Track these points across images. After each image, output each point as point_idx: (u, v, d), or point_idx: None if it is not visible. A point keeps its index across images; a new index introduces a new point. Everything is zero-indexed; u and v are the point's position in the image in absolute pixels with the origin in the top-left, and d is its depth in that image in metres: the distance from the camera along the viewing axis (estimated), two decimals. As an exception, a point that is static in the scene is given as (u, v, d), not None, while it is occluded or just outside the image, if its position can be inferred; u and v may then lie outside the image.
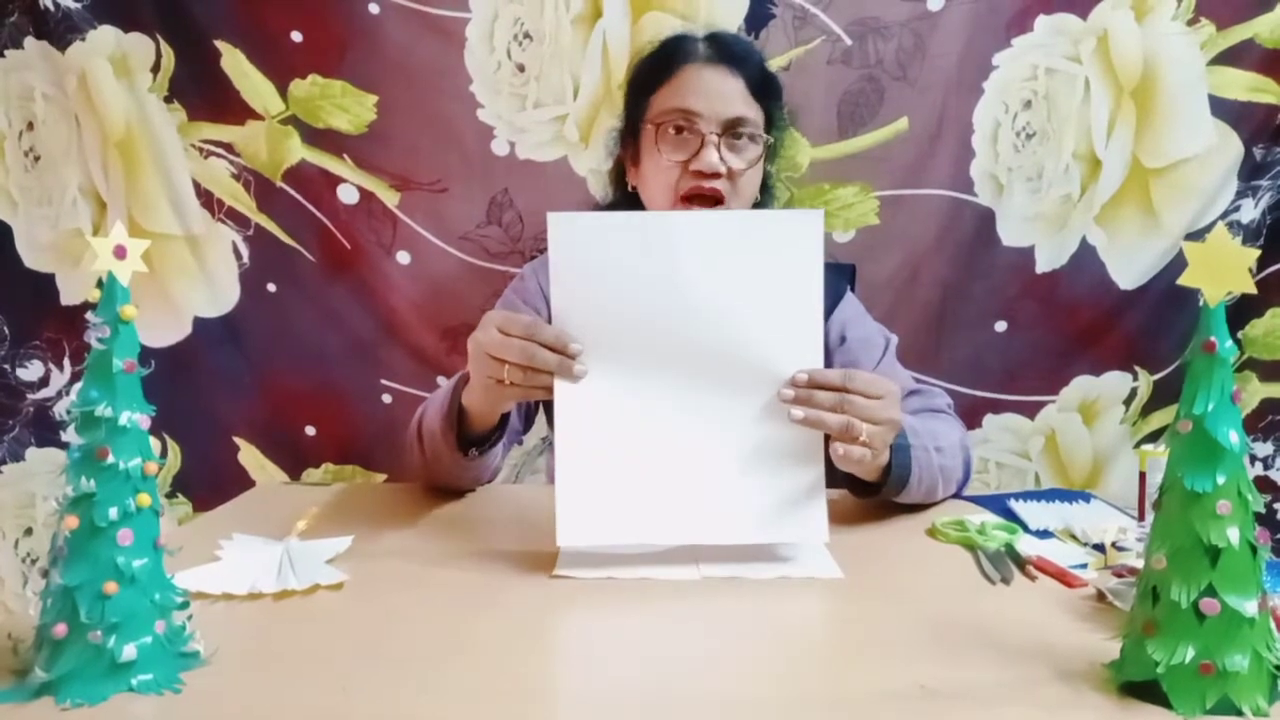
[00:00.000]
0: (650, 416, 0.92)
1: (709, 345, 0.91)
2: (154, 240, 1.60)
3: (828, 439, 0.92)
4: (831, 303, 1.34)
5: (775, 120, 1.30)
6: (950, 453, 1.16)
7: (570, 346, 0.92)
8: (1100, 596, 0.84)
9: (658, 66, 1.27)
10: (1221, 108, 1.66)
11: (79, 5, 1.63)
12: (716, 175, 1.21)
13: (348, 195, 1.72)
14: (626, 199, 1.35)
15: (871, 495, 1.07)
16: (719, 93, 1.22)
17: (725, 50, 1.25)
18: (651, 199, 1.29)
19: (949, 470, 1.15)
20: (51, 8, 1.63)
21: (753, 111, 1.24)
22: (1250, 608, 0.61)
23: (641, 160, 1.28)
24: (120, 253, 0.65)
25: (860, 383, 0.91)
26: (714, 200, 1.22)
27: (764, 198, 1.34)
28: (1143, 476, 1.13)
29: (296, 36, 1.66)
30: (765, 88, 1.26)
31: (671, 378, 0.91)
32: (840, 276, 1.42)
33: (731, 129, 1.22)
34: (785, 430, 0.91)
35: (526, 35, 1.67)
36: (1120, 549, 0.95)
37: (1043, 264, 1.73)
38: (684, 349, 0.91)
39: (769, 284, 0.91)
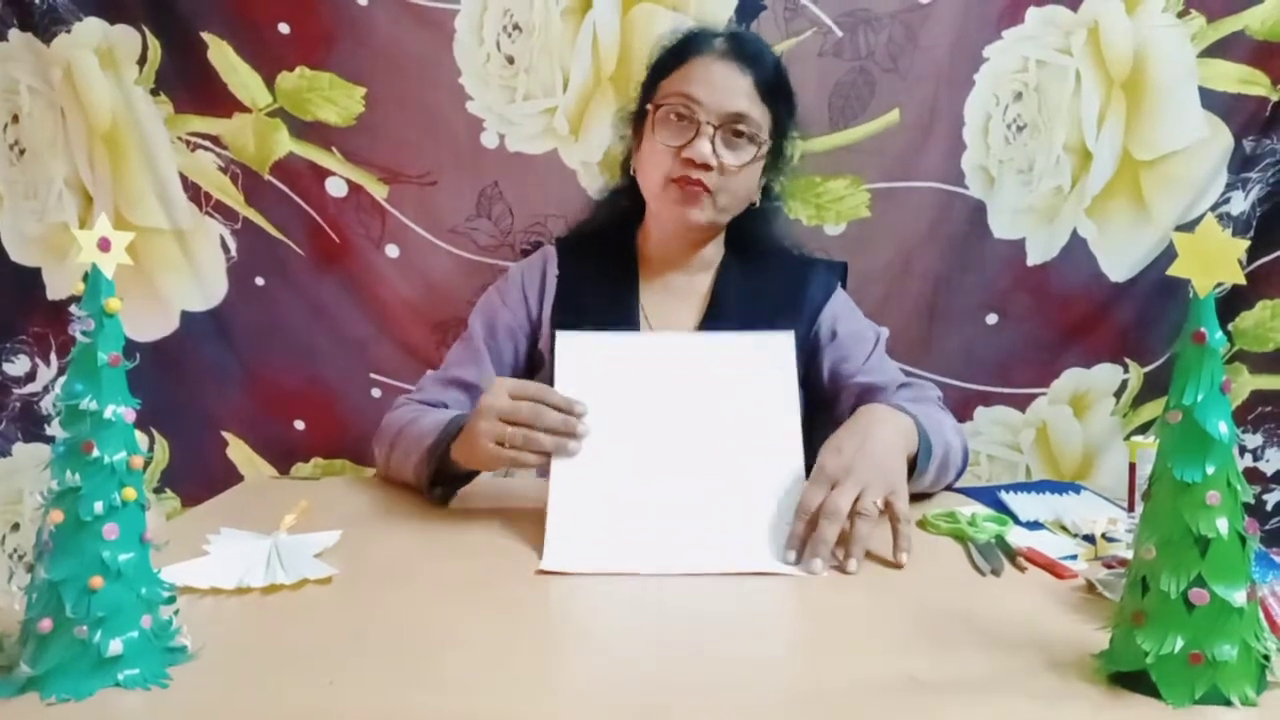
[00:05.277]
0: (642, 477, 1.00)
1: (698, 438, 1.01)
2: (141, 234, 1.60)
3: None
4: (822, 299, 1.35)
5: (784, 126, 1.30)
6: (954, 431, 1.20)
7: (576, 407, 1.01)
8: (1090, 587, 0.85)
9: (672, 55, 1.29)
10: (1212, 100, 1.66)
11: (64, -3, 1.62)
12: (707, 167, 1.21)
13: (336, 188, 1.70)
14: (622, 193, 1.36)
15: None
16: (724, 86, 1.22)
17: (739, 48, 1.26)
18: (644, 181, 1.29)
19: (953, 451, 1.17)
20: (37, 0, 1.61)
21: (757, 111, 1.24)
22: (1239, 598, 0.61)
23: (641, 142, 1.29)
24: (105, 245, 0.65)
25: (834, 504, 0.93)
26: (699, 186, 1.22)
27: (766, 203, 1.34)
28: (1133, 468, 1.13)
29: (284, 28, 1.64)
30: (775, 91, 1.27)
31: (663, 460, 1.01)
32: (831, 273, 1.42)
33: (731, 124, 1.22)
34: (771, 493, 0.98)
35: (516, 27, 1.66)
36: (1110, 540, 0.96)
37: (1034, 256, 1.73)
38: (675, 442, 1.01)
39: (750, 392, 1.04)
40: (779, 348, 1.06)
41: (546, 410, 1.00)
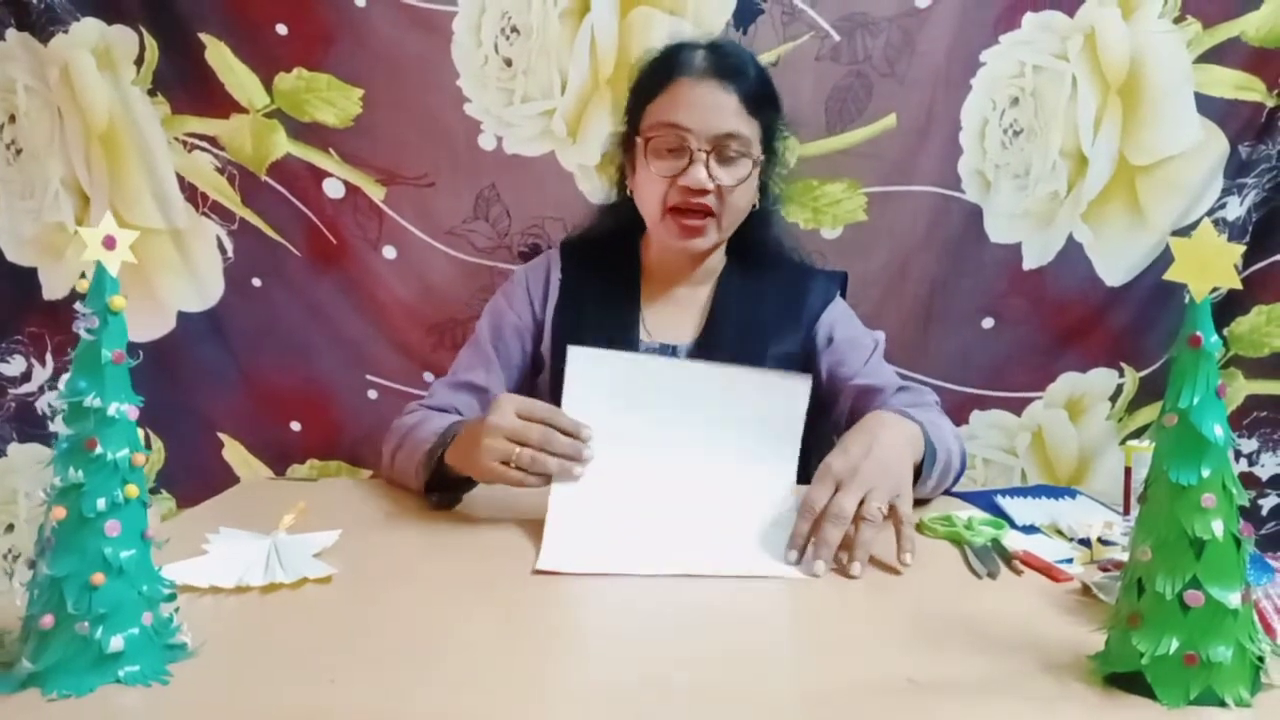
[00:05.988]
0: (641, 493, 1.01)
1: (695, 468, 1.03)
2: (137, 234, 1.59)
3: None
4: (820, 306, 1.35)
5: (773, 132, 1.31)
6: (953, 436, 1.20)
7: (583, 432, 1.02)
8: (1086, 590, 0.85)
9: (655, 76, 1.28)
10: (1208, 105, 1.67)
11: (62, -3, 1.62)
12: (704, 192, 1.22)
13: (333, 190, 1.70)
14: (627, 203, 1.36)
15: None
16: (711, 107, 1.22)
17: (722, 63, 1.25)
18: (644, 208, 1.30)
19: (953, 456, 1.18)
20: (34, 0, 1.61)
21: (746, 127, 1.24)
22: (1234, 599, 0.62)
23: (636, 169, 1.29)
24: (109, 243, 0.65)
25: (838, 508, 0.92)
26: (702, 213, 1.23)
27: (764, 202, 1.35)
28: (1128, 472, 1.13)
29: (282, 29, 1.64)
30: (762, 101, 1.27)
31: (662, 479, 1.02)
32: (831, 282, 1.43)
33: (722, 145, 1.22)
34: (768, 517, 0.99)
35: (514, 29, 1.66)
36: (1105, 543, 0.96)
37: (1030, 261, 1.73)
38: (673, 471, 1.02)
39: (753, 431, 1.03)
40: (793, 391, 1.04)
41: (556, 435, 1.01)
